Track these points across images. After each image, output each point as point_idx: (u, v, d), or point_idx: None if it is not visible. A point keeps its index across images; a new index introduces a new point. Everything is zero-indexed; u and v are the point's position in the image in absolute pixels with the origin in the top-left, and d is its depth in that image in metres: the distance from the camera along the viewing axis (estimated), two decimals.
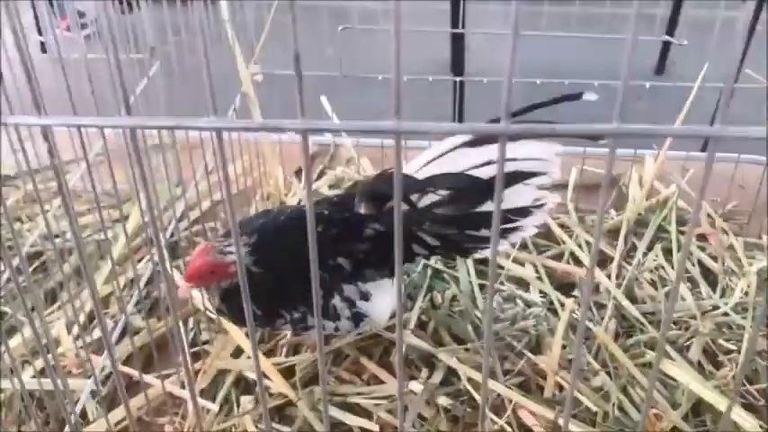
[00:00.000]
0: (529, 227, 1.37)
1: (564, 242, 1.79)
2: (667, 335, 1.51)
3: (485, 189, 1.34)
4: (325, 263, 1.31)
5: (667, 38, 2.52)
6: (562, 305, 1.59)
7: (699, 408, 1.38)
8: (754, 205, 1.84)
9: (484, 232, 1.37)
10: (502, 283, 1.66)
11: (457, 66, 3.40)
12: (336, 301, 1.35)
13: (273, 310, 1.34)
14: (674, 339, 1.51)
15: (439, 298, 1.63)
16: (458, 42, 3.32)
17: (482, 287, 1.65)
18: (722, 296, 1.62)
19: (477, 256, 1.46)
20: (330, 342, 1.52)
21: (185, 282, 1.27)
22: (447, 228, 1.37)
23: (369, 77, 2.13)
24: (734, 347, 1.48)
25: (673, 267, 1.70)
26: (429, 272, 1.70)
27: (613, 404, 1.37)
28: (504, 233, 1.37)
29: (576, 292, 1.64)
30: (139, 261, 1.73)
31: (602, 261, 1.74)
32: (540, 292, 1.65)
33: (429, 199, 1.36)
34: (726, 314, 1.56)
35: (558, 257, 1.76)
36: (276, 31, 1.72)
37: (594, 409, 1.36)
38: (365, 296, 1.37)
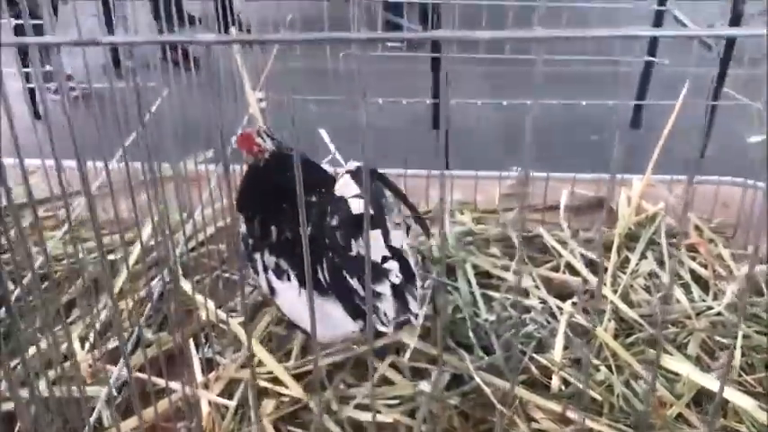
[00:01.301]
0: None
1: (561, 254, 1.86)
2: (666, 333, 1.58)
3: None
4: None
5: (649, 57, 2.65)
6: (560, 309, 1.65)
7: (700, 399, 1.43)
8: (738, 219, 1.94)
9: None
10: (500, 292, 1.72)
11: (438, 119, 3.51)
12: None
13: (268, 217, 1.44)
14: (673, 337, 1.57)
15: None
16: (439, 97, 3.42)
17: (483, 296, 1.71)
18: (715, 299, 1.69)
19: None
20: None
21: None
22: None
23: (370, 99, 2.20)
24: (729, 343, 1.54)
25: (665, 271, 1.77)
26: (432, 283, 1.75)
27: (617, 395, 1.41)
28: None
29: (575, 299, 1.69)
30: (151, 279, 1.77)
31: (597, 273, 1.81)
32: (540, 299, 1.71)
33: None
34: (719, 314, 1.63)
35: (555, 269, 1.83)
36: (282, 54, 1.81)
37: (600, 398, 1.41)
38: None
